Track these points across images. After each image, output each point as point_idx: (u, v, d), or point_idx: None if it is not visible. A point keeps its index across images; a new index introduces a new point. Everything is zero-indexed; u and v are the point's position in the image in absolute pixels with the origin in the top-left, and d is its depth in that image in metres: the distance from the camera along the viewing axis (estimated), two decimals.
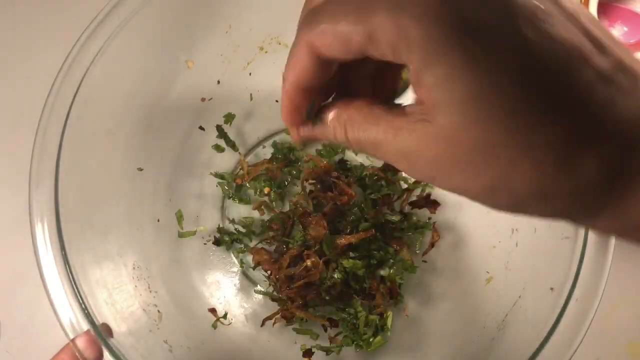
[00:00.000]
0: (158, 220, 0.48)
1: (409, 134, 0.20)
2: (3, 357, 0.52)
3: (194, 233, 0.51)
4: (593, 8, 0.46)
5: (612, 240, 0.36)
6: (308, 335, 0.49)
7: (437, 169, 0.20)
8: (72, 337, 0.35)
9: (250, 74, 0.51)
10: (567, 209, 0.20)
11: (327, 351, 0.47)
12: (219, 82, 0.49)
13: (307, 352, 0.47)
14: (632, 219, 0.20)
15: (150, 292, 0.44)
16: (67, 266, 0.36)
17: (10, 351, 0.52)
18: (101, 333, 0.35)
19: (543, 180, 0.19)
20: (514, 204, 0.20)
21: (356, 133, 0.22)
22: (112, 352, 0.35)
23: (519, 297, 0.40)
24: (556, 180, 0.19)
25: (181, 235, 0.50)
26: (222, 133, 0.52)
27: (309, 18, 0.22)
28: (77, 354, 0.33)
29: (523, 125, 0.18)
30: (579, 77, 0.18)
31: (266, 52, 0.50)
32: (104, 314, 0.37)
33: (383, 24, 0.19)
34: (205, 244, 0.52)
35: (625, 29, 0.51)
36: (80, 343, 0.34)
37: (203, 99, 0.49)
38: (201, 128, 0.51)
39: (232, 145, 0.53)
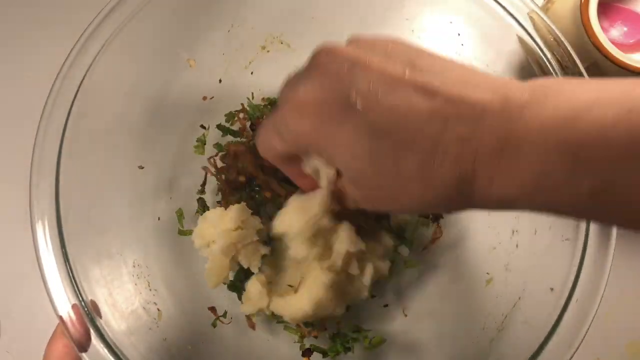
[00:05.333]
0: (158, 219, 0.48)
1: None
2: (3, 357, 0.52)
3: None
4: (593, 8, 0.46)
5: (613, 241, 0.36)
6: None
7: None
8: (71, 335, 0.35)
9: (252, 72, 0.51)
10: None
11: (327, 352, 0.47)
12: (220, 80, 0.49)
13: (307, 352, 0.47)
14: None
15: (150, 290, 0.44)
16: (68, 265, 0.36)
17: (10, 351, 0.52)
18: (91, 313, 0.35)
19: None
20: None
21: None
22: (112, 351, 0.35)
23: (519, 298, 0.40)
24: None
25: (181, 233, 0.50)
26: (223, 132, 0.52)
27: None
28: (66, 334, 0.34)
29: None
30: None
31: (268, 51, 0.50)
32: (104, 312, 0.37)
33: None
34: None
35: (625, 29, 0.51)
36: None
37: (204, 98, 0.49)
38: (202, 127, 0.51)
39: None
